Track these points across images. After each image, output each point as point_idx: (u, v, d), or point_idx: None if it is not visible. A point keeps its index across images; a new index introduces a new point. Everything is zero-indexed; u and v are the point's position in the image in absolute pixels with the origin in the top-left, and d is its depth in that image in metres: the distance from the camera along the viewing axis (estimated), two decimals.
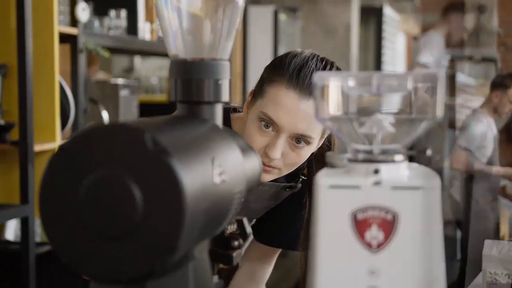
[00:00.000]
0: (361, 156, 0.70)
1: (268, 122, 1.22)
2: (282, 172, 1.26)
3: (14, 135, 2.39)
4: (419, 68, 4.24)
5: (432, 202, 0.67)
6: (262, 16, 4.79)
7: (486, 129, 4.17)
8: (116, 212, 0.60)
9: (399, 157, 0.70)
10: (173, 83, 0.81)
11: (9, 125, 2.38)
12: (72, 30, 2.63)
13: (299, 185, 1.40)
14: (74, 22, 2.64)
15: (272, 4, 4.93)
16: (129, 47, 3.14)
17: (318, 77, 0.70)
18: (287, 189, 1.39)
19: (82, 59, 2.65)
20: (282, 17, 4.97)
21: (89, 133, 0.62)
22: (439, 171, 4.51)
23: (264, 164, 1.22)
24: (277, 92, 1.21)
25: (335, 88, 0.71)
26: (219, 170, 0.70)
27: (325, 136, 1.30)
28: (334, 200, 0.69)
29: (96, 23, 2.92)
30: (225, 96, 0.82)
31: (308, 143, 1.22)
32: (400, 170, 0.69)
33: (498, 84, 4.22)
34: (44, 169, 0.63)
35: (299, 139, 1.22)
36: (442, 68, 4.50)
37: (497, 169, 4.35)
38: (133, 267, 0.60)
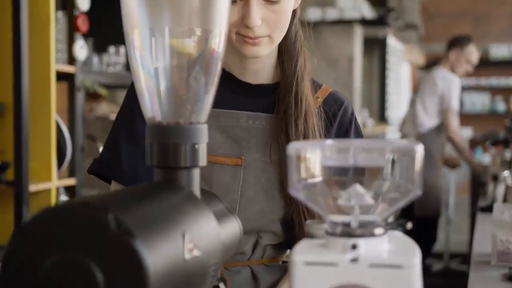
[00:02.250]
0: (338, 229, 0.68)
1: None
2: (274, 39, 1.16)
3: (9, 174, 2.38)
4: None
5: (412, 279, 0.64)
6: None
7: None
8: None
9: (378, 231, 0.67)
10: (148, 147, 0.79)
11: (4, 164, 2.36)
12: (70, 68, 2.62)
13: None
14: (72, 60, 2.63)
15: None
16: (128, 84, 3.13)
17: (292, 147, 0.68)
18: None
19: (80, 97, 2.64)
20: None
21: (51, 213, 0.60)
22: None
23: (250, 37, 1.13)
24: None
25: (310, 158, 0.68)
26: (191, 245, 0.67)
27: None
28: (310, 277, 0.66)
29: (95, 59, 2.92)
30: (202, 161, 0.80)
31: None
32: (379, 245, 0.66)
33: (455, 43, 4.37)
34: (5, 249, 0.60)
35: None
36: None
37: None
38: None
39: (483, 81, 9.95)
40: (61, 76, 2.60)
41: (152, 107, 0.80)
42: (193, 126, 0.78)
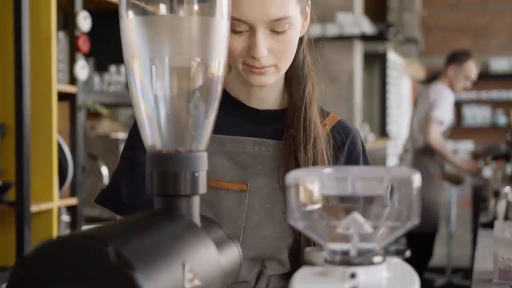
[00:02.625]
0: (337, 257, 0.68)
1: (237, 25, 1.10)
2: (281, 68, 1.15)
3: (11, 195, 2.38)
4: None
5: None
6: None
7: (452, 103, 4.34)
8: None
9: (377, 259, 0.68)
10: (149, 175, 0.80)
11: (6, 185, 2.37)
12: (71, 88, 2.64)
13: None
14: (73, 79, 2.65)
15: None
16: (129, 102, 3.15)
17: (291, 176, 0.69)
18: None
19: (81, 116, 2.66)
20: None
21: (52, 245, 0.60)
22: None
23: (256, 67, 1.13)
24: None
25: (308, 187, 0.69)
26: (191, 275, 0.67)
27: (307, 8, 1.19)
28: None
29: (97, 78, 2.94)
30: (202, 188, 0.80)
31: (289, 25, 1.11)
32: (378, 273, 0.67)
33: (454, 59, 4.36)
34: (7, 281, 0.61)
35: (278, 25, 1.10)
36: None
37: (459, 161, 4.56)
38: None
39: (484, 94, 9.98)
40: (62, 96, 2.61)
41: (152, 135, 0.80)
42: (193, 154, 0.79)
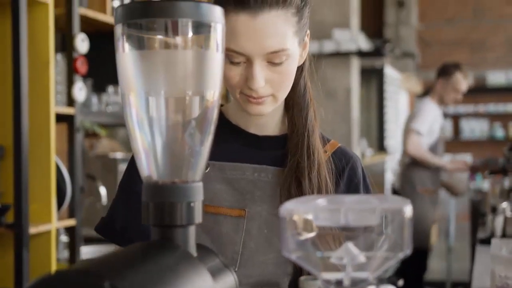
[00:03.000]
0: (331, 287, 0.69)
1: (234, 56, 1.11)
2: (278, 98, 1.15)
3: (9, 217, 2.39)
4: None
5: None
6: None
7: (435, 116, 4.30)
8: None
9: None
10: (145, 206, 0.81)
11: (5, 207, 2.37)
12: (69, 110, 2.65)
13: None
14: (71, 101, 2.66)
15: None
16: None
17: (285, 209, 0.70)
18: None
19: (79, 138, 2.67)
20: None
21: (48, 280, 0.61)
22: None
23: (253, 97, 1.13)
24: (228, 22, 1.10)
25: (303, 219, 0.70)
26: None
27: (305, 37, 1.19)
28: None
29: (95, 99, 2.95)
30: (198, 218, 0.81)
31: (287, 56, 1.11)
32: None
33: (441, 72, 4.35)
34: None
35: (275, 57, 1.10)
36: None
37: (446, 162, 4.42)
38: None
39: (481, 107, 10.00)
40: (60, 117, 2.62)
41: (148, 166, 0.81)
42: (189, 185, 0.80)
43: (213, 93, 0.82)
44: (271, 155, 1.23)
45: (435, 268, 6.52)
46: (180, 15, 0.77)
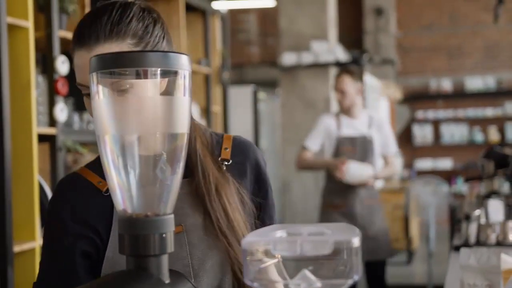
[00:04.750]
0: None
1: (83, 89, 1.17)
2: None
3: None
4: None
5: None
6: (242, 95, 4.90)
7: (325, 129, 4.06)
8: None
9: None
10: (120, 237, 0.88)
11: None
12: (51, 130, 2.71)
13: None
14: (52, 121, 2.72)
15: (252, 84, 5.06)
16: None
17: (246, 242, 0.77)
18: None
19: (61, 157, 2.73)
20: (262, 95, 5.09)
21: None
22: None
23: None
24: (74, 58, 1.18)
25: (262, 250, 0.78)
26: None
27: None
28: None
29: (76, 118, 3.01)
30: (170, 247, 0.88)
31: (130, 84, 1.09)
32: None
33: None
34: None
35: (118, 86, 1.08)
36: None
37: (381, 172, 4.11)
38: None
39: (461, 112, 10.16)
40: (42, 137, 2.68)
41: (123, 201, 0.89)
42: (161, 218, 0.87)
43: (182, 132, 0.89)
44: None
45: (417, 272, 6.61)
46: (149, 65, 0.85)
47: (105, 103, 0.87)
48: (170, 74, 0.87)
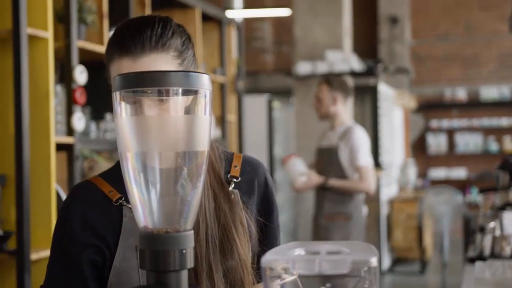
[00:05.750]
0: None
1: None
2: None
3: (11, 244, 2.47)
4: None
5: None
6: (257, 105, 4.92)
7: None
8: None
9: None
10: (141, 253, 0.90)
11: (7, 234, 2.46)
12: (69, 140, 2.74)
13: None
14: (70, 131, 2.75)
15: (267, 93, 5.07)
16: None
17: (265, 260, 0.79)
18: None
19: (78, 166, 2.76)
20: (276, 104, 5.10)
21: None
22: None
23: None
24: (114, 67, 1.19)
25: (281, 268, 0.79)
26: None
27: None
28: None
29: (93, 127, 3.04)
30: (190, 263, 0.90)
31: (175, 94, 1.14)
32: None
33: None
34: None
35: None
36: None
37: (333, 181, 3.91)
38: None
39: (475, 122, 10.11)
40: (60, 146, 2.71)
41: (144, 217, 0.91)
42: (181, 234, 0.89)
43: (202, 149, 0.91)
44: None
45: (431, 282, 6.59)
46: (171, 84, 0.87)
47: (127, 122, 0.89)
48: (191, 93, 0.89)
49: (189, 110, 0.89)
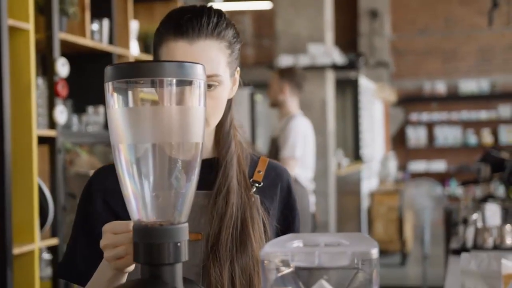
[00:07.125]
0: None
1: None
2: (210, 123, 1.21)
3: None
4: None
5: None
6: (239, 98, 4.88)
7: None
8: None
9: None
10: (136, 246, 0.88)
11: None
12: (51, 133, 2.70)
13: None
14: (52, 124, 2.71)
15: (249, 86, 5.06)
16: (107, 141, 3.22)
17: (264, 251, 0.78)
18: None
19: (60, 159, 2.72)
20: (258, 97, 5.09)
21: None
22: None
23: None
24: (167, 49, 1.19)
25: (280, 260, 0.78)
26: None
27: (236, 73, 1.27)
28: None
29: (75, 120, 3.01)
30: (184, 256, 0.89)
31: (219, 83, 1.19)
32: None
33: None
34: None
35: (208, 80, 1.15)
36: None
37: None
38: None
39: (454, 115, 10.19)
40: (42, 139, 2.68)
41: (137, 210, 0.89)
42: (175, 227, 0.88)
43: (196, 141, 0.90)
44: (204, 179, 1.22)
45: (411, 274, 6.63)
46: (165, 74, 0.85)
47: (120, 113, 0.87)
48: (185, 83, 0.88)
49: (182, 101, 0.88)
